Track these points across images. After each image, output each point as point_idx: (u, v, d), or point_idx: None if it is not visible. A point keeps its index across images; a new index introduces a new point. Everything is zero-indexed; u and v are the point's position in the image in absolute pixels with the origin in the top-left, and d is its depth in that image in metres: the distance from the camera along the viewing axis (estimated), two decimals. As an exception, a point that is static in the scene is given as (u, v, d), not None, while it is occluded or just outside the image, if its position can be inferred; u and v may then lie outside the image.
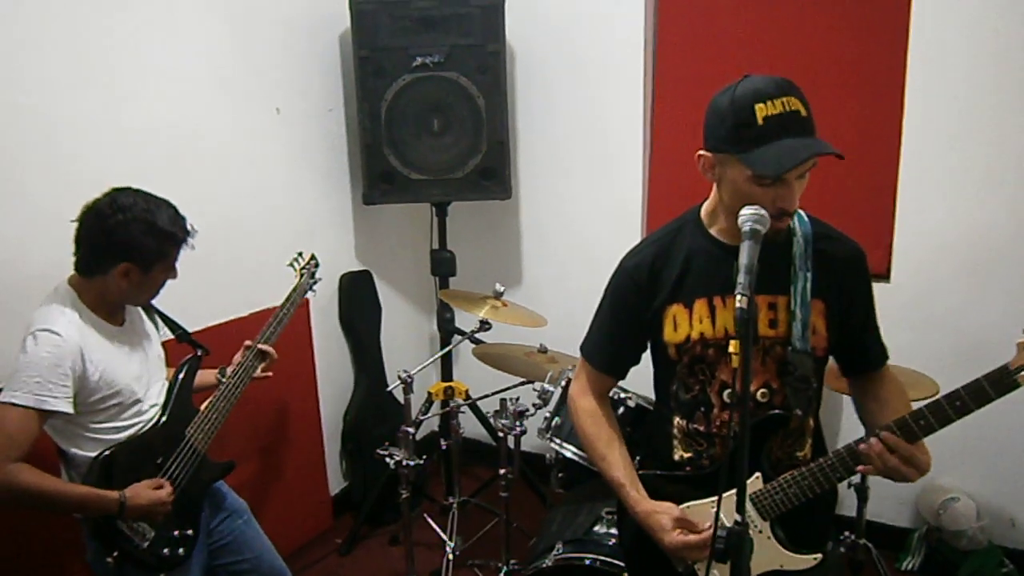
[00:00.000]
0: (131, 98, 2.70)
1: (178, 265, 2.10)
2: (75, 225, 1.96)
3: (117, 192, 1.96)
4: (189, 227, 2.06)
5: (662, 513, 1.67)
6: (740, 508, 1.30)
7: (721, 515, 1.44)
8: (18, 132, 2.37)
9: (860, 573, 2.84)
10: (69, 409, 1.87)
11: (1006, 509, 3.23)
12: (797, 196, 1.54)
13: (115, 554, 1.95)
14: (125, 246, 1.93)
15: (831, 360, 1.76)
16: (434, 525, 3.56)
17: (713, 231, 1.71)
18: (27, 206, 2.38)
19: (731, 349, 1.30)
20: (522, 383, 3.12)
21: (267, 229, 3.29)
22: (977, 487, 3.22)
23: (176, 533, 2.09)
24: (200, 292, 2.84)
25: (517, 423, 2.79)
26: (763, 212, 1.46)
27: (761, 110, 1.46)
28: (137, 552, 1.99)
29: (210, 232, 2.87)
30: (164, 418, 2.11)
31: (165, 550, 2.05)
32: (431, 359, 3.29)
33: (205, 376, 2.34)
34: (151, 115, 2.76)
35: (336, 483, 3.88)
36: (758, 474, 1.64)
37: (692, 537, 1.62)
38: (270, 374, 2.43)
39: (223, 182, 3.08)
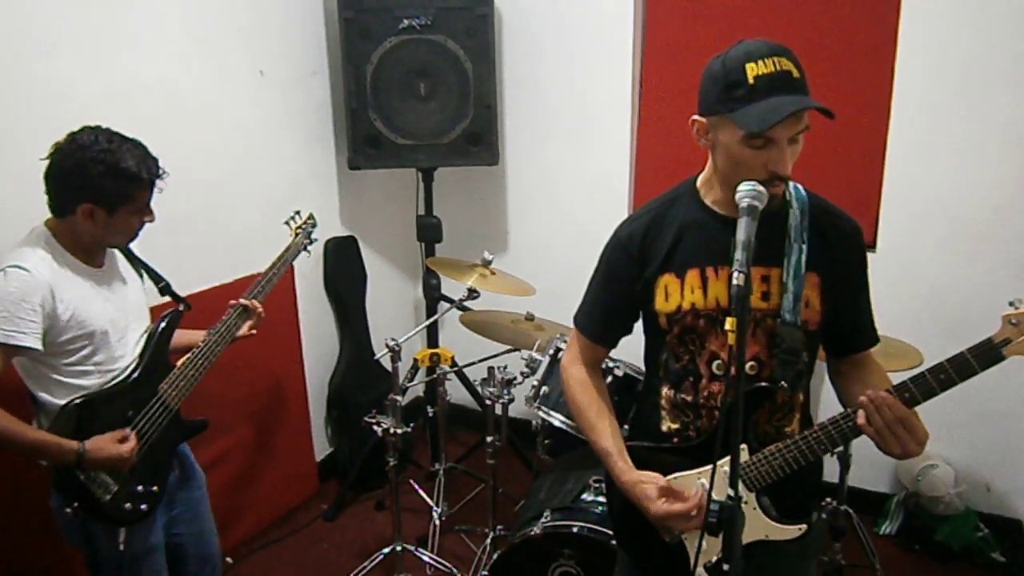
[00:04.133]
0: (113, 60, 2.64)
1: (153, 206, 2.02)
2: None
3: (82, 130, 1.91)
4: (160, 169, 1.99)
5: (647, 483, 1.68)
6: (733, 483, 1.31)
7: (708, 487, 1.45)
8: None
9: (841, 538, 2.88)
10: (37, 345, 1.84)
11: (983, 475, 3.29)
12: (789, 160, 1.53)
13: (75, 505, 1.94)
14: (83, 186, 1.87)
15: None
16: (420, 491, 3.59)
17: (708, 201, 1.70)
18: (2, 168, 2.33)
19: (727, 326, 1.30)
20: (508, 350, 3.12)
21: (251, 194, 3.25)
22: (955, 454, 3.27)
23: (140, 488, 2.04)
24: (182, 257, 2.81)
25: (505, 391, 2.80)
26: (761, 188, 1.45)
27: (752, 69, 1.46)
28: (97, 505, 1.96)
29: (193, 196, 2.87)
30: (138, 371, 2.06)
31: (127, 504, 2.02)
32: (419, 327, 3.28)
33: (193, 336, 2.28)
34: (134, 77, 2.71)
35: (321, 448, 3.89)
36: (744, 445, 1.65)
37: (677, 506, 1.63)
38: (255, 332, 2.37)
39: (206, 146, 3.03)
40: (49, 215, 1.98)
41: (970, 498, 3.26)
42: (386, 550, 3.09)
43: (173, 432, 2.16)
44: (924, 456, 3.26)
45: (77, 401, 1.93)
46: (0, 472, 2.40)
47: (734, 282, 1.32)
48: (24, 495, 2.44)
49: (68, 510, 1.94)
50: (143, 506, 2.06)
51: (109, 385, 2.02)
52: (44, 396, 1.95)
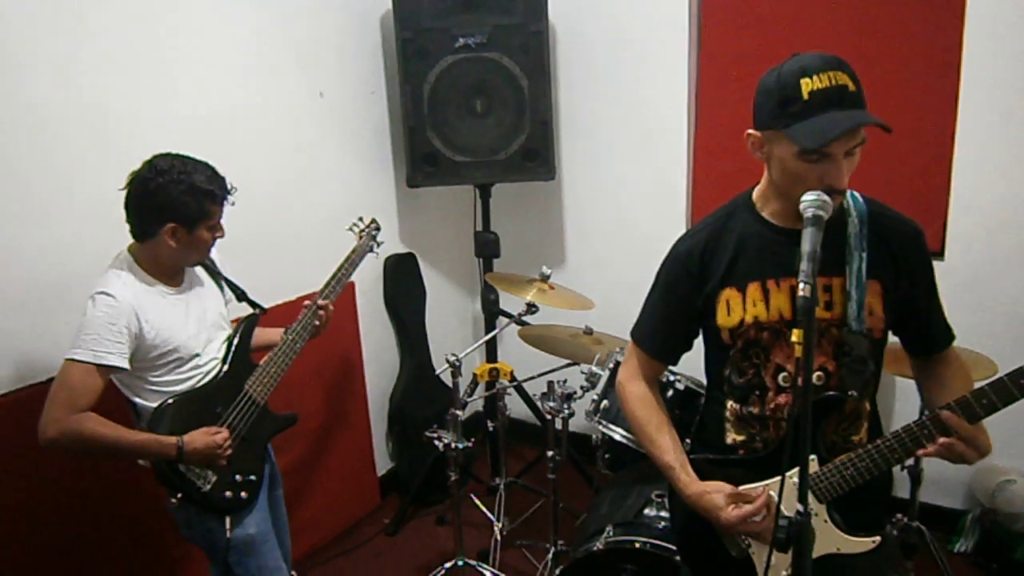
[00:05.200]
0: (177, 86, 2.74)
1: (223, 223, 2.17)
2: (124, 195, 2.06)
3: (156, 157, 2.06)
4: (228, 186, 2.14)
5: (714, 492, 1.66)
6: (803, 498, 1.28)
7: (777, 501, 1.42)
8: (68, 123, 2.42)
9: (913, 556, 2.80)
10: (125, 365, 1.99)
11: (1064, 491, 3.15)
12: (846, 174, 1.51)
13: (178, 496, 2.07)
14: (168, 207, 2.02)
15: (891, 341, 1.73)
16: (481, 506, 3.59)
17: (765, 214, 1.69)
18: (79, 196, 2.44)
19: (794, 339, 1.28)
20: (567, 365, 3.11)
21: (311, 213, 3.32)
22: (1034, 469, 3.15)
23: (238, 477, 2.19)
24: (245, 276, 2.89)
25: (565, 406, 2.79)
26: (826, 198, 1.44)
27: (807, 85, 1.45)
28: (198, 495, 2.10)
29: (254, 217, 2.93)
30: (223, 372, 2.22)
31: (227, 493, 2.16)
32: (479, 342, 3.29)
33: (271, 335, 2.44)
34: (197, 102, 2.80)
35: (383, 463, 3.93)
36: (813, 457, 1.62)
37: (748, 508, 1.60)
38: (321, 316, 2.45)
39: (267, 167, 3.10)
40: (127, 243, 2.12)
41: (1051, 515, 3.14)
42: (448, 564, 3.10)
43: (264, 425, 2.31)
44: (1001, 471, 3.15)
45: (168, 401, 2.09)
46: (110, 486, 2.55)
47: (800, 293, 1.30)
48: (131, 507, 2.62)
49: (173, 500, 2.07)
50: (243, 494, 2.20)
51: (197, 386, 2.17)
52: (141, 402, 2.11)
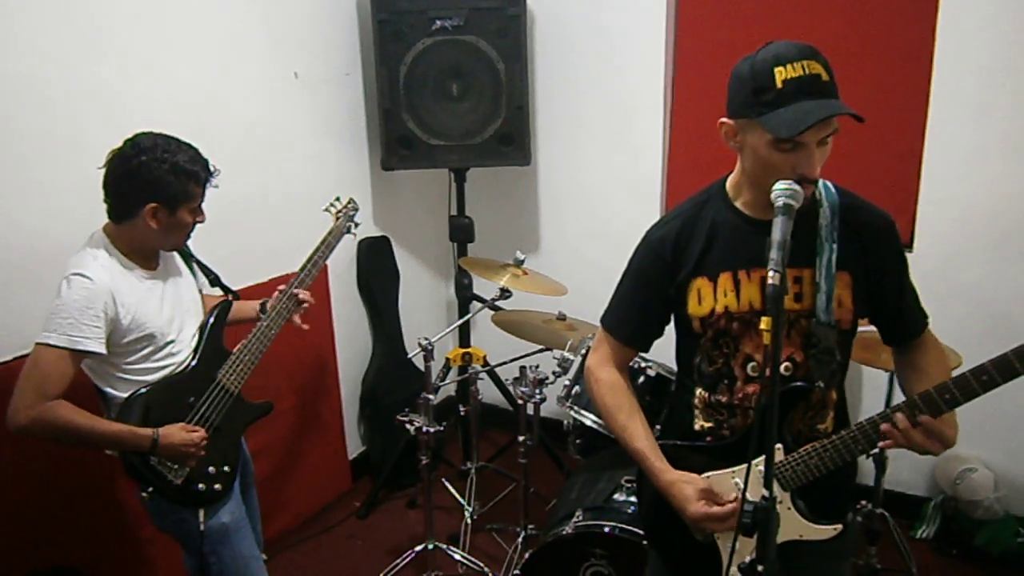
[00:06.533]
0: (150, 66, 2.69)
1: (204, 207, 2.13)
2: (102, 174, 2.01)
3: (139, 135, 2.00)
4: (211, 167, 2.10)
5: (686, 483, 1.68)
6: (768, 484, 1.30)
7: (742, 486, 1.44)
8: (41, 103, 2.38)
9: (876, 541, 2.85)
10: (101, 349, 1.93)
11: (1023, 479, 3.23)
12: (818, 163, 1.52)
13: (149, 489, 2.03)
14: (149, 186, 1.96)
15: (862, 330, 1.74)
16: (452, 489, 3.61)
17: (738, 204, 1.69)
18: (51, 172, 2.40)
19: (763, 326, 1.29)
20: (540, 350, 3.13)
21: (284, 194, 3.29)
22: (995, 458, 3.21)
23: (212, 469, 2.14)
24: (219, 258, 2.86)
25: (537, 391, 2.80)
26: (797, 187, 1.45)
27: (780, 73, 1.45)
28: (169, 488, 2.05)
29: (227, 198, 2.88)
30: (195, 361, 2.17)
31: (200, 485, 2.11)
32: (452, 327, 3.30)
33: (245, 309, 2.39)
34: (171, 82, 2.76)
35: (354, 446, 3.92)
36: (779, 446, 1.64)
37: (716, 509, 1.62)
38: (307, 327, 2.45)
39: (240, 147, 3.07)
40: (102, 220, 2.06)
41: (1010, 503, 3.20)
42: (418, 548, 3.11)
43: (239, 414, 2.26)
44: (963, 460, 3.22)
45: (140, 392, 2.04)
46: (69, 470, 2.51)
47: (769, 281, 1.31)
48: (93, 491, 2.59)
49: (144, 495, 2.04)
50: (216, 486, 2.15)
51: (169, 376, 2.11)
52: (110, 391, 2.05)
